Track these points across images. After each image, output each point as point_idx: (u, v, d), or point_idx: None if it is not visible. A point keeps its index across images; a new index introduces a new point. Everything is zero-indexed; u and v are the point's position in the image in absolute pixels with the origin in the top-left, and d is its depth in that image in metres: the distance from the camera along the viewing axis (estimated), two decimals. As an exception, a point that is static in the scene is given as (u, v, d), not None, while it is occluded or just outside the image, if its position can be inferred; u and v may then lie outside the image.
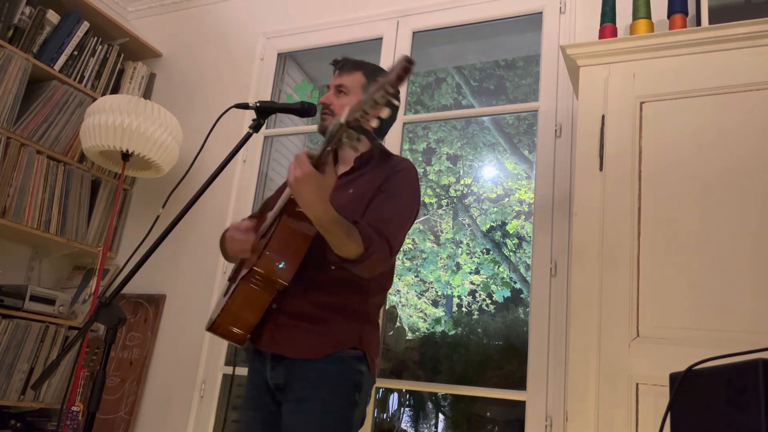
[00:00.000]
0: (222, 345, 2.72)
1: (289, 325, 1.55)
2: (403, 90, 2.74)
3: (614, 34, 2.05)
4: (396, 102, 1.20)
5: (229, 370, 2.72)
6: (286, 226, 1.48)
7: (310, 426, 1.47)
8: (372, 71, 1.72)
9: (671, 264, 1.58)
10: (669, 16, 2.01)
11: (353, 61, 1.72)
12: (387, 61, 2.80)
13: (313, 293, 1.56)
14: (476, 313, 7.55)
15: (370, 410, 2.27)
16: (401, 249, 1.62)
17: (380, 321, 1.73)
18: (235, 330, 1.53)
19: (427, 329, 7.43)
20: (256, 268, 1.46)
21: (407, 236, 1.66)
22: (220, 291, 1.77)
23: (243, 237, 1.58)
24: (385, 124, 1.70)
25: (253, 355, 1.65)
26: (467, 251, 7.82)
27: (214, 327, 1.54)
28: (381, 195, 1.58)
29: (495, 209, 7.62)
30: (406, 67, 1.16)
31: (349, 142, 1.26)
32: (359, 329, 1.57)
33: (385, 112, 1.20)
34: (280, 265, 1.47)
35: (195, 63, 3.32)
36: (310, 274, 1.53)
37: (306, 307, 1.55)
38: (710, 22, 2.09)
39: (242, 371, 2.87)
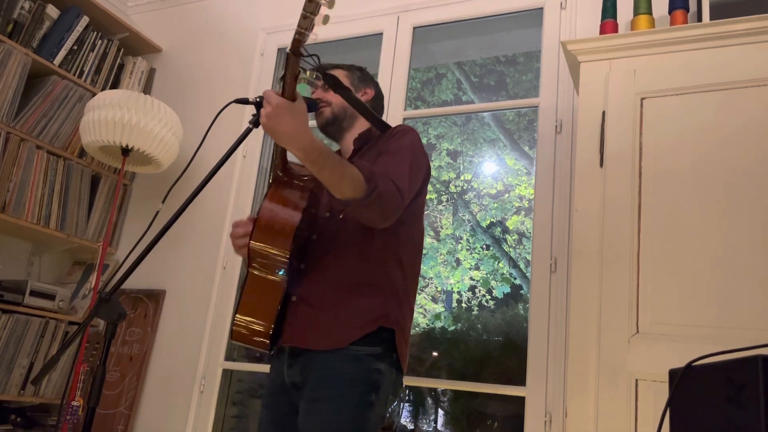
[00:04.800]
0: (222, 340, 2.72)
1: (309, 314, 1.50)
2: (403, 85, 2.74)
3: (615, 30, 2.05)
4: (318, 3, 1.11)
5: (229, 365, 2.72)
6: (275, 195, 1.44)
7: (321, 427, 1.43)
8: (348, 67, 1.75)
9: (671, 260, 1.58)
10: (670, 12, 2.00)
11: (330, 64, 1.74)
12: (387, 56, 2.79)
13: (330, 275, 1.51)
14: (476, 308, 7.55)
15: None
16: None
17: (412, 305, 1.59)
18: (256, 327, 1.45)
19: (427, 325, 7.42)
20: (251, 242, 1.42)
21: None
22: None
23: (243, 230, 1.52)
24: (374, 102, 1.74)
25: (274, 354, 1.60)
26: (467, 247, 7.81)
27: (234, 331, 1.47)
28: (381, 157, 1.53)
29: (495, 205, 7.61)
30: None
31: (297, 68, 1.22)
32: (384, 304, 1.48)
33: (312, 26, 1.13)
34: (274, 237, 1.42)
35: (195, 58, 3.32)
36: (322, 257, 1.50)
37: (325, 291, 1.50)
38: (711, 18, 2.09)
39: (241, 366, 2.88)
